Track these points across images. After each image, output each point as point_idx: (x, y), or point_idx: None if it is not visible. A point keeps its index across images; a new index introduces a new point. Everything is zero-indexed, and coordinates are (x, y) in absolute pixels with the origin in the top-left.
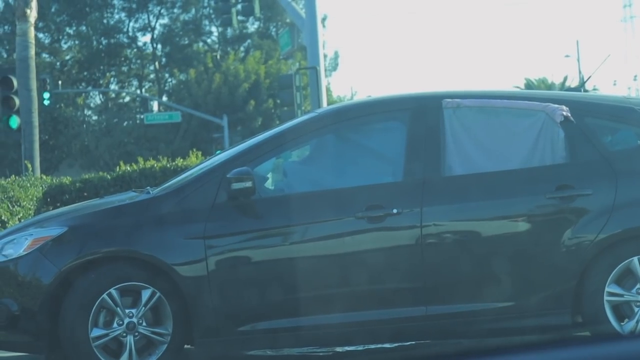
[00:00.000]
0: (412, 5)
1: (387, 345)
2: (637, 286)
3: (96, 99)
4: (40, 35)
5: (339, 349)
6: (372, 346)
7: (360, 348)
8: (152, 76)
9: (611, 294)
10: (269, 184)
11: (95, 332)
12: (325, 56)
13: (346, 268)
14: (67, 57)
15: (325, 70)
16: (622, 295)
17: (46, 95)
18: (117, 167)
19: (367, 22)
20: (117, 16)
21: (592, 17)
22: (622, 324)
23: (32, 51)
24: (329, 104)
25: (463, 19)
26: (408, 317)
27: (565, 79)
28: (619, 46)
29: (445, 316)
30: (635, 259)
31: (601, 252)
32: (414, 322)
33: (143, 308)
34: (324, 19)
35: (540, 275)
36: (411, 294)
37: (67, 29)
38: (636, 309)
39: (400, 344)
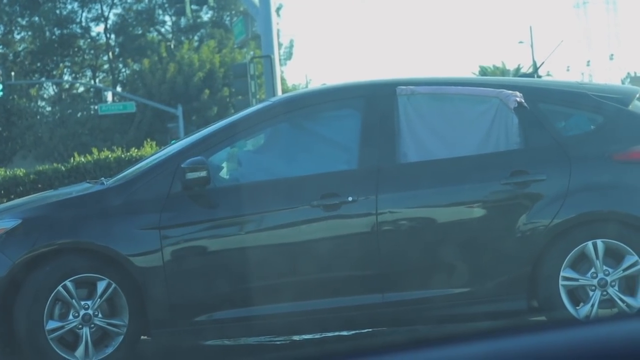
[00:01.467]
0: None
1: (344, 333)
2: (592, 270)
3: (50, 90)
4: None
5: (296, 338)
6: (330, 334)
7: (317, 336)
8: (105, 66)
9: (566, 279)
10: (223, 174)
11: (51, 325)
12: (279, 45)
13: (302, 257)
14: (20, 48)
15: (280, 58)
16: (577, 280)
17: None
18: (72, 159)
19: (322, 10)
20: (70, 6)
21: (545, 3)
22: (577, 308)
23: None
24: (283, 92)
25: (417, 6)
26: (364, 305)
27: (519, 65)
28: (572, 32)
29: (401, 303)
30: (590, 243)
31: (556, 237)
32: (369, 309)
33: (98, 299)
34: (278, 8)
35: (495, 261)
36: (367, 282)
37: (20, 20)
38: (591, 293)
39: (358, 331)
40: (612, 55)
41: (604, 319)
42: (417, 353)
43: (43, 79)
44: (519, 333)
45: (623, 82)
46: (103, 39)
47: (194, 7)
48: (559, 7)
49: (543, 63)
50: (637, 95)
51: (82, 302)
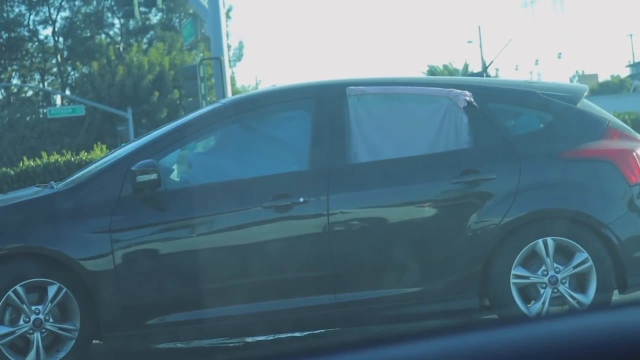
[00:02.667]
0: None
1: (297, 334)
2: (543, 268)
3: None
4: None
5: (249, 339)
6: (283, 335)
7: (270, 337)
8: (54, 70)
9: (517, 277)
10: (174, 176)
11: (2, 330)
12: (229, 46)
13: (254, 258)
14: None
15: (230, 60)
16: (528, 278)
17: None
18: (21, 163)
19: (271, 11)
20: (17, 9)
21: (493, 2)
22: (528, 305)
23: None
24: (233, 94)
25: (366, 6)
26: (317, 306)
27: (467, 65)
28: (521, 31)
29: (353, 303)
30: (540, 241)
31: (506, 235)
32: (322, 310)
33: (49, 304)
34: (228, 10)
35: (447, 260)
36: (319, 282)
37: None
38: (542, 291)
39: (310, 332)
40: (560, 54)
41: (555, 316)
42: (369, 352)
43: None
44: (470, 331)
45: (571, 81)
46: (51, 42)
47: (142, 9)
48: (507, 7)
49: (492, 62)
50: (585, 93)
51: (33, 307)
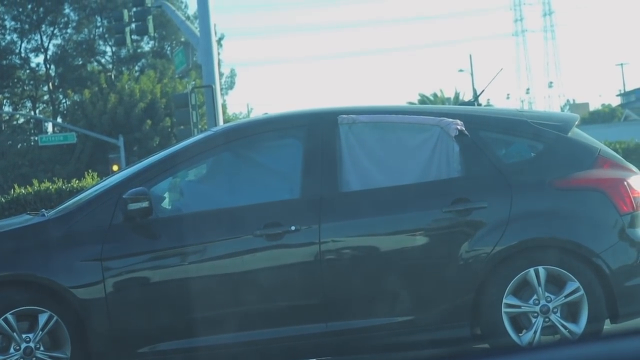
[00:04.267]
0: (307, 21)
1: None
2: (534, 297)
3: None
4: None
5: None
6: None
7: None
8: (46, 97)
9: (509, 306)
10: (166, 204)
11: None
12: (221, 74)
13: (245, 287)
14: None
15: (221, 88)
16: (519, 307)
17: None
18: (12, 190)
19: (263, 40)
20: (8, 37)
21: (484, 31)
22: (520, 335)
23: None
24: (225, 122)
25: (357, 34)
26: (307, 334)
27: (458, 93)
28: (511, 60)
29: (344, 332)
30: (532, 270)
31: (498, 264)
32: (313, 339)
33: (40, 332)
34: (220, 39)
35: (438, 288)
36: (311, 311)
37: None
38: (533, 320)
39: None
40: (551, 82)
41: (547, 345)
42: None
43: None
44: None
45: (563, 109)
46: (43, 70)
47: (134, 37)
48: (498, 36)
49: (483, 91)
50: (576, 123)
51: (24, 335)
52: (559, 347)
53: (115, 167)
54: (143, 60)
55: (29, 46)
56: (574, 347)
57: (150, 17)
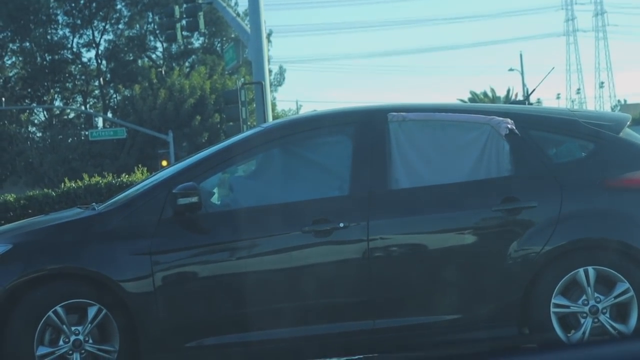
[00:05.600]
0: (358, 19)
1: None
2: (583, 297)
3: (40, 115)
4: None
5: None
6: None
7: None
8: (96, 92)
9: (557, 306)
10: (215, 199)
11: (41, 351)
12: (270, 71)
13: (293, 282)
14: (11, 74)
15: (271, 85)
16: (568, 307)
17: None
18: (62, 184)
19: (312, 37)
20: (61, 32)
21: (535, 31)
22: (568, 335)
23: None
24: (274, 118)
25: (409, 33)
26: (356, 331)
27: (509, 91)
28: (562, 60)
29: (393, 329)
30: (581, 270)
31: (547, 264)
32: (362, 335)
33: (89, 325)
34: (269, 34)
35: (486, 287)
36: (359, 308)
37: (11, 45)
38: (582, 320)
39: (348, 358)
40: (602, 83)
41: (596, 343)
42: None
43: (34, 104)
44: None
45: (614, 110)
46: (94, 65)
47: (185, 33)
48: (549, 35)
49: (534, 90)
50: (628, 123)
51: (73, 328)
52: (609, 346)
53: (164, 163)
54: (193, 57)
55: (81, 41)
56: (624, 346)
57: (201, 14)
